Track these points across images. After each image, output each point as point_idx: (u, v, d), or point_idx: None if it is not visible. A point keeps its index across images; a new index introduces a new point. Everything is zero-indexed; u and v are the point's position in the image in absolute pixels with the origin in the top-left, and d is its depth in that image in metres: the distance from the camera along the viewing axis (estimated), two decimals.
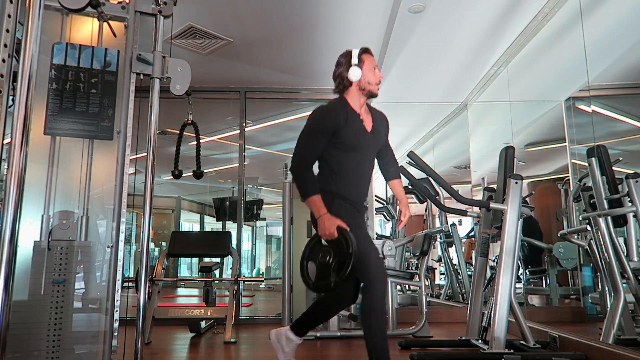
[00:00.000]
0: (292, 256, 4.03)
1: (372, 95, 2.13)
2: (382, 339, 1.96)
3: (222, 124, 5.56)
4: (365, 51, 2.14)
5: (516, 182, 2.72)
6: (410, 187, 3.41)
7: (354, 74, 2.07)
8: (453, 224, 5.05)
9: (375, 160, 2.27)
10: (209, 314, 3.40)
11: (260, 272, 9.92)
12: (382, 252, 3.71)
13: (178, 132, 2.71)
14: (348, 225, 1.98)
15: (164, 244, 7.94)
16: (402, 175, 2.51)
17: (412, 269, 5.56)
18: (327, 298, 2.22)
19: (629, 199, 2.49)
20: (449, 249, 5.14)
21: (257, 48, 3.99)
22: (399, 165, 2.94)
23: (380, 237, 5.26)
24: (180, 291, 8.23)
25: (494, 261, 3.37)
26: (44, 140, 1.96)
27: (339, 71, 2.13)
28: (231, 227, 6.31)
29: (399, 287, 4.34)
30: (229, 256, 3.71)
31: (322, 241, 2.02)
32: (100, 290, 1.96)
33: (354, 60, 2.09)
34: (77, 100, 1.98)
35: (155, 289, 3.37)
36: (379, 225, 6.41)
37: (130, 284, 2.63)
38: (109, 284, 1.94)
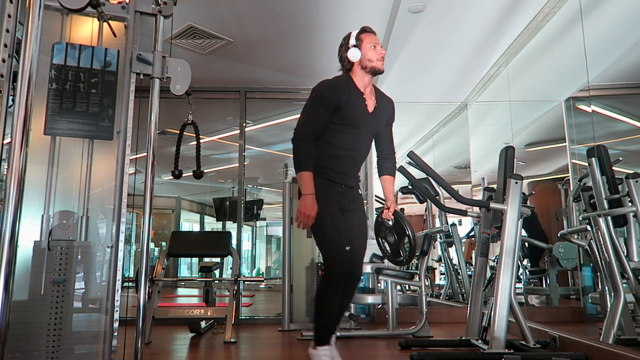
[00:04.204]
0: (292, 256, 4.03)
1: (376, 71, 2.16)
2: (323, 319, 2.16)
3: (222, 124, 5.56)
4: (363, 31, 2.19)
5: (516, 182, 2.72)
6: (410, 187, 3.41)
7: (353, 54, 2.14)
8: (453, 224, 5.04)
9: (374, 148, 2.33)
10: (209, 314, 3.40)
11: (260, 272, 9.92)
12: None
13: (178, 132, 2.72)
14: (319, 211, 2.07)
15: (164, 244, 7.95)
16: (403, 174, 2.51)
17: (412, 269, 5.56)
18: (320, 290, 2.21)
19: (629, 199, 2.49)
20: (449, 249, 5.14)
21: (257, 48, 3.99)
22: (399, 165, 2.94)
23: None
24: (180, 291, 8.23)
25: (494, 261, 3.36)
26: (44, 140, 1.95)
27: (340, 53, 2.23)
28: (231, 227, 6.31)
29: (399, 287, 4.34)
30: (229, 256, 3.71)
31: (385, 222, 2.32)
32: (100, 290, 1.96)
33: (352, 41, 2.16)
34: (77, 100, 1.98)
35: (155, 289, 3.37)
36: None
37: (130, 284, 2.63)
38: (109, 284, 1.94)
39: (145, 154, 2.01)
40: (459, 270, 4.97)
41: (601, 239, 2.55)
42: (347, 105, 2.09)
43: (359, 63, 2.15)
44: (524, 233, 3.75)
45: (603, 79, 3.07)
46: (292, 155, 2.11)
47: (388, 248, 2.37)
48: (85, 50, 2.02)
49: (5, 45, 1.35)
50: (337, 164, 2.14)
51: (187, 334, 3.62)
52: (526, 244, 4.03)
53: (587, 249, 2.86)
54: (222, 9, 3.39)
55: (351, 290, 2.26)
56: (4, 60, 1.34)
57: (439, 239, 5.19)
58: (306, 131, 2.09)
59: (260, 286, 7.76)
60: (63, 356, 1.84)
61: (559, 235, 3.23)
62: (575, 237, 3.08)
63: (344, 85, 2.12)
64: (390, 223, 2.30)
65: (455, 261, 5.07)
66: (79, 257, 1.93)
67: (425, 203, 5.08)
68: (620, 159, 2.79)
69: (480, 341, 2.83)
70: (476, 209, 3.51)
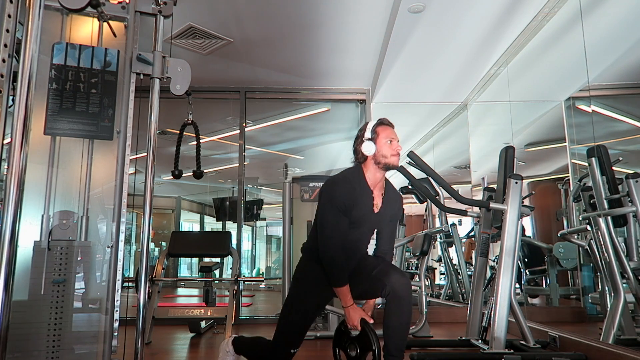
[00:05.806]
0: (292, 256, 4.03)
1: (389, 168, 2.09)
2: None
3: (222, 124, 5.56)
4: (380, 123, 2.12)
5: (516, 182, 2.72)
6: (410, 187, 3.41)
7: (367, 148, 2.06)
8: (453, 224, 5.05)
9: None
10: (209, 314, 3.40)
11: (260, 272, 9.93)
12: None
13: (178, 132, 2.71)
14: (299, 284, 2.14)
15: (164, 244, 7.95)
16: (403, 174, 2.49)
17: (412, 269, 5.57)
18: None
19: (629, 199, 2.49)
20: (449, 249, 5.14)
21: (257, 48, 3.99)
22: (399, 165, 2.94)
23: None
24: (180, 291, 8.23)
25: (494, 261, 3.37)
26: (44, 140, 1.95)
27: (355, 145, 2.15)
28: (231, 227, 6.31)
29: None
30: (229, 256, 3.71)
31: (349, 330, 2.09)
32: (100, 290, 1.96)
33: (367, 134, 2.08)
34: (77, 100, 1.98)
35: (155, 289, 3.37)
36: None
37: (130, 284, 2.63)
38: (109, 284, 1.94)
39: (145, 154, 2.01)
40: (459, 270, 4.97)
41: (601, 239, 2.55)
42: (356, 208, 2.04)
43: (372, 157, 2.07)
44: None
45: (603, 79, 3.07)
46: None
47: None
48: (85, 50, 2.02)
49: (5, 45, 1.35)
50: None
51: (187, 334, 3.62)
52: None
53: (587, 249, 2.86)
54: (222, 9, 3.39)
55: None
56: (4, 60, 1.34)
57: (439, 239, 5.19)
58: (335, 244, 2.01)
59: (260, 286, 7.76)
60: (63, 356, 1.84)
61: (559, 235, 3.23)
62: (575, 237, 3.08)
63: (354, 182, 2.06)
64: (354, 333, 2.06)
65: (455, 261, 5.07)
66: (79, 257, 1.93)
67: (425, 203, 5.09)
68: (620, 159, 2.79)
69: (480, 341, 2.83)
70: (476, 209, 3.51)
